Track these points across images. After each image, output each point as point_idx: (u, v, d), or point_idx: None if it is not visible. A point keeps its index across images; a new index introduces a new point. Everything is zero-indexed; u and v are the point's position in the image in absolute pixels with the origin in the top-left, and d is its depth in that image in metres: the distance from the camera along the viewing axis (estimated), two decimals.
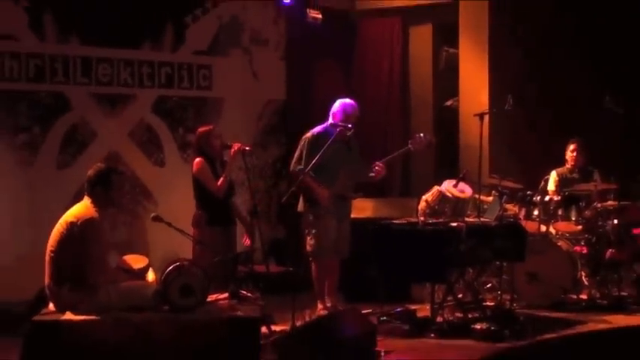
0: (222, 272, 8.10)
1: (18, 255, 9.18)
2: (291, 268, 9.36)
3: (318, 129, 9.16)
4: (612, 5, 11.58)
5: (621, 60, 11.84)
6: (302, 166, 8.96)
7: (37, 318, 6.88)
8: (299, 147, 9.13)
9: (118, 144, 10.33)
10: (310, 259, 9.13)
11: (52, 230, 7.05)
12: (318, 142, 8.95)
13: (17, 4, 9.54)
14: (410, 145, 9.37)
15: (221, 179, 8.66)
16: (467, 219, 9.12)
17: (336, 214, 9.11)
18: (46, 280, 6.99)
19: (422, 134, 9.49)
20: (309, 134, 9.14)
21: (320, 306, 9.04)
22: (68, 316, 6.80)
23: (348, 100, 9.20)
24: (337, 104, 9.17)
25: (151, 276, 7.43)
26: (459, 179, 9.40)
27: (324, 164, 8.72)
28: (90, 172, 7.18)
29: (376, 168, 9.18)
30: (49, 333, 6.71)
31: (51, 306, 7.01)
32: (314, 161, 8.65)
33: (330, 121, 9.15)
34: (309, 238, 9.09)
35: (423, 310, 9.06)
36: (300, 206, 9.18)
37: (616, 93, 10.40)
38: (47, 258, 6.99)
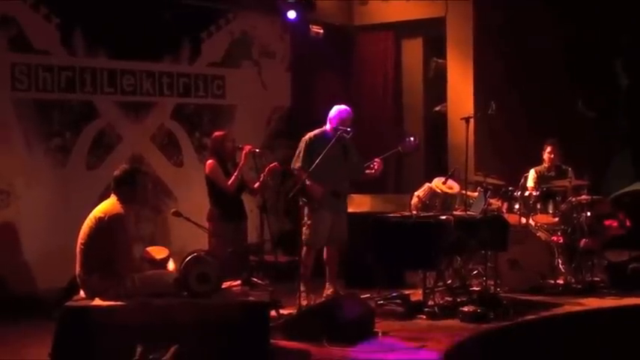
0: (235, 262, 8.09)
1: (53, 247, 9.14)
2: (297, 258, 9.30)
3: (315, 132, 9.12)
4: (584, 21, 11.56)
5: (592, 70, 11.82)
6: (300, 164, 8.94)
7: (69, 304, 6.85)
8: (299, 147, 9.09)
9: (141, 147, 10.30)
10: (304, 246, 9.03)
11: (82, 224, 7.02)
12: (315, 144, 8.93)
13: (50, 22, 9.50)
14: (400, 147, 9.32)
15: (232, 178, 8.66)
16: (455, 212, 9.10)
17: (330, 208, 9.03)
18: (77, 270, 6.96)
19: (411, 138, 9.43)
20: (307, 136, 9.10)
21: (303, 288, 8.73)
22: (97, 302, 6.77)
23: (343, 107, 9.15)
24: (334, 110, 9.12)
25: (171, 265, 7.40)
26: (448, 177, 9.39)
27: (321, 163, 8.67)
28: (116, 172, 7.14)
29: (374, 164, 9.11)
30: (80, 317, 6.67)
31: (81, 293, 6.97)
32: (317, 161, 8.62)
33: (328, 125, 9.11)
34: (304, 228, 9.02)
35: (416, 295, 9.03)
36: (300, 200, 9.13)
37: (588, 99, 10.39)
38: (78, 249, 6.96)
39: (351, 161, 9.18)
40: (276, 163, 9.00)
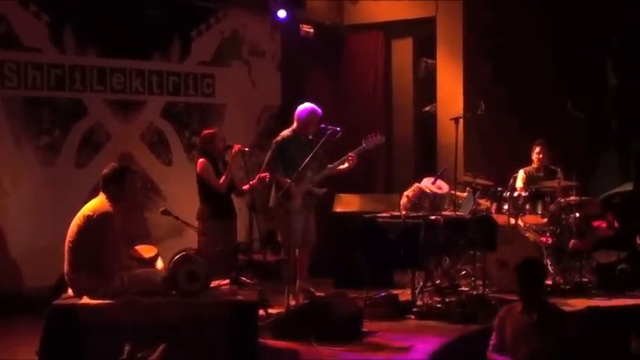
0: (224, 260, 8.08)
1: (41, 245, 9.12)
2: (285, 257, 9.30)
3: (286, 133, 9.10)
4: (573, 21, 11.58)
5: (581, 70, 11.85)
6: (273, 167, 8.93)
7: (57, 302, 6.83)
8: (271, 150, 9.06)
9: (131, 145, 10.28)
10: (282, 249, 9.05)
11: (71, 223, 7.00)
12: (286, 145, 8.95)
13: (39, 19, 9.48)
14: (363, 143, 9.20)
15: (223, 177, 8.66)
16: (444, 213, 9.11)
17: (304, 209, 9.02)
18: (65, 268, 6.94)
19: (374, 134, 9.31)
20: (279, 138, 9.07)
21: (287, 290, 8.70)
22: (85, 300, 6.75)
23: (309, 106, 9.16)
24: (303, 109, 9.14)
25: (159, 264, 7.39)
26: (437, 177, 9.40)
27: (295, 164, 8.67)
28: (105, 171, 7.12)
29: (350, 158, 9.05)
30: (68, 315, 6.65)
31: (70, 291, 6.96)
32: (306, 162, 8.61)
33: (295, 124, 9.09)
34: (279, 232, 9.01)
35: (405, 295, 9.04)
36: (272, 202, 9.05)
37: (577, 100, 10.40)
38: (66, 248, 6.94)
39: (318, 159, 9.09)
40: (266, 174, 8.94)
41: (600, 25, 11.73)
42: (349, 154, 9.10)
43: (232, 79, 11.30)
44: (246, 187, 8.84)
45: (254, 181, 8.78)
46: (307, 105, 9.19)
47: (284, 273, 8.76)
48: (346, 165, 9.10)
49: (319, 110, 9.16)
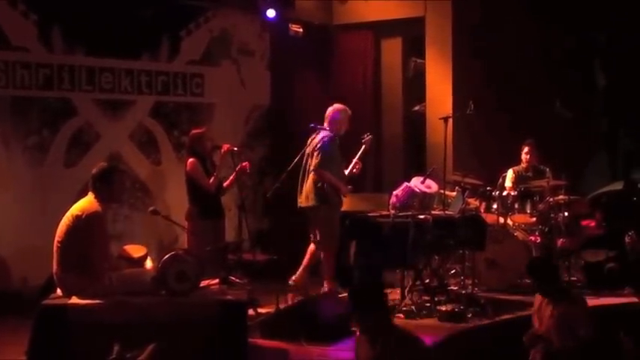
0: (213, 260, 8.09)
1: (30, 245, 9.11)
2: (275, 257, 9.32)
3: (331, 136, 9.29)
4: (562, 21, 11.63)
5: (570, 70, 11.89)
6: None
7: (46, 302, 6.85)
8: (327, 152, 9.18)
9: (119, 145, 10.26)
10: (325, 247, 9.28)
11: (60, 223, 7.00)
12: (335, 146, 9.26)
13: (28, 19, 9.47)
14: (365, 145, 9.60)
15: (212, 177, 8.68)
16: (433, 212, 9.13)
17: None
18: (54, 268, 6.95)
19: (368, 134, 9.72)
20: (327, 139, 9.23)
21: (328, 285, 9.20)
22: (74, 300, 6.76)
23: (337, 106, 9.49)
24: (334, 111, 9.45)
25: (149, 264, 7.40)
26: (426, 176, 9.41)
27: (335, 164, 9.21)
28: (94, 171, 7.13)
29: (357, 165, 9.54)
30: (57, 315, 6.67)
31: (59, 291, 6.97)
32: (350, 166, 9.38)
33: (329, 125, 9.33)
34: (320, 231, 9.24)
35: (394, 294, 9.05)
36: (312, 202, 9.26)
37: (566, 99, 10.43)
38: (55, 248, 6.95)
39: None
40: (246, 163, 9.00)
41: (588, 25, 11.78)
42: (354, 160, 9.52)
43: (221, 78, 11.29)
44: (226, 183, 8.90)
45: (235, 172, 8.86)
46: (337, 105, 9.44)
47: (323, 271, 9.20)
48: (354, 171, 9.56)
49: (349, 110, 9.48)
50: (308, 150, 9.31)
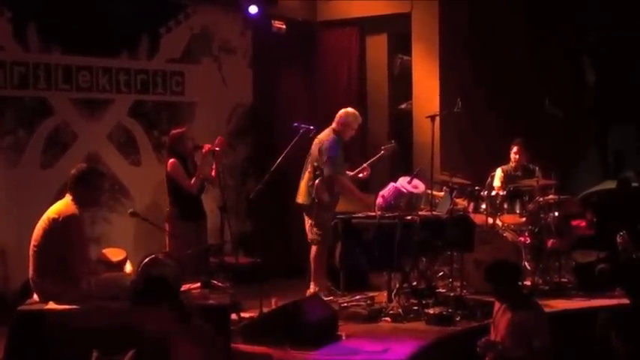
0: (194, 263, 8.05)
1: (5, 249, 9.04)
2: (258, 260, 9.28)
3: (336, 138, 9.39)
4: (551, 19, 11.64)
5: (559, 67, 11.91)
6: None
7: (22, 307, 6.80)
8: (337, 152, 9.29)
9: (98, 145, 10.19)
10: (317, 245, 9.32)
11: (36, 226, 6.94)
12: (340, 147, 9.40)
13: (2, 16, 9.38)
14: (383, 152, 9.74)
15: (194, 178, 8.65)
16: (420, 212, 9.12)
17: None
18: (30, 273, 6.90)
19: (392, 141, 10.04)
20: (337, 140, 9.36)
21: (315, 287, 9.20)
22: (51, 305, 6.72)
23: (349, 110, 9.59)
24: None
25: (128, 267, 7.37)
26: (413, 176, 9.41)
27: (339, 164, 9.37)
28: (73, 172, 7.09)
29: (364, 171, 9.73)
30: (34, 321, 6.63)
31: (35, 296, 6.91)
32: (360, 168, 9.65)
33: (335, 125, 9.47)
34: (318, 228, 9.29)
35: (381, 297, 9.04)
36: (306, 199, 9.36)
37: (555, 98, 10.44)
38: (31, 252, 6.90)
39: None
40: (211, 145, 8.87)
41: (577, 23, 11.79)
42: (364, 165, 9.73)
43: (202, 76, 11.24)
44: (213, 172, 8.83)
45: (215, 160, 8.81)
46: (350, 109, 9.58)
47: (312, 269, 9.23)
48: (360, 175, 9.74)
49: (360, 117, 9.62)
50: (313, 149, 9.32)
